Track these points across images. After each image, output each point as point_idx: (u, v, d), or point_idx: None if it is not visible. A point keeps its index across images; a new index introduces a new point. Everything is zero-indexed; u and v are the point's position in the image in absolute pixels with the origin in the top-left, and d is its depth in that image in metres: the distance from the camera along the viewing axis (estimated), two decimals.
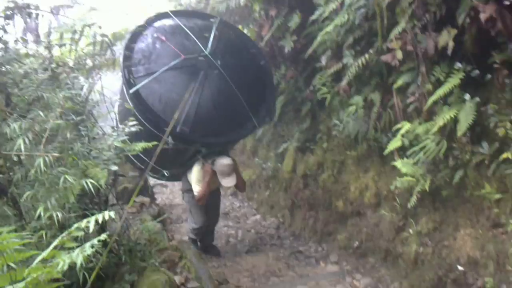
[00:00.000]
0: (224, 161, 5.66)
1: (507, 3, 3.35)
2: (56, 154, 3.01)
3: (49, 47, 4.18)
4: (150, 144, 3.85)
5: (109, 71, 5.37)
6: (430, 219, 4.42)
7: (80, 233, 2.08)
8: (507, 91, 3.63)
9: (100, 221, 2.08)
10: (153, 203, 7.25)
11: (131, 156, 5.66)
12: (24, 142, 2.90)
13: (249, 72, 6.19)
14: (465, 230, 3.99)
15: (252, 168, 8.74)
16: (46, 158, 2.88)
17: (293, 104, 7.29)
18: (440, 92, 3.91)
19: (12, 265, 1.86)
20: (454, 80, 3.86)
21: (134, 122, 3.77)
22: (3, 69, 3.80)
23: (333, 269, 5.59)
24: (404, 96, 4.64)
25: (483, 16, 3.37)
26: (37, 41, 4.55)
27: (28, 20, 4.51)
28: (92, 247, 1.98)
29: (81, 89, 3.95)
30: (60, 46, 4.48)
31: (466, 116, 3.73)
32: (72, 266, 2.43)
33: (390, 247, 4.96)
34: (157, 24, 6.02)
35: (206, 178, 5.72)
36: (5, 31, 4.11)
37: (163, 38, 5.79)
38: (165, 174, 6.09)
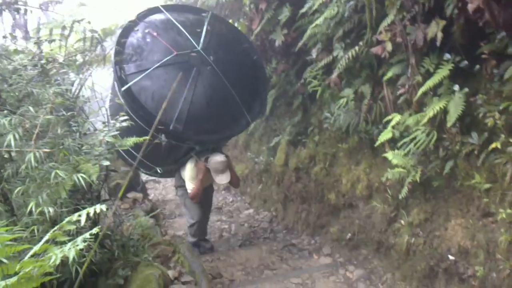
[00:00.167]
0: (218, 158, 5.65)
1: None
2: (47, 150, 3.00)
3: (38, 43, 4.15)
4: (141, 139, 3.84)
5: (99, 67, 5.34)
6: (422, 210, 4.45)
7: (72, 227, 2.09)
8: (495, 82, 3.65)
9: (91, 215, 2.08)
10: (146, 198, 7.25)
11: (123, 153, 5.68)
12: (15, 138, 2.89)
13: (242, 67, 6.15)
14: (455, 220, 4.02)
15: (244, 163, 8.75)
16: (37, 154, 2.87)
17: (285, 98, 7.31)
18: (430, 83, 3.92)
19: (4, 260, 1.86)
20: (443, 71, 3.88)
21: (125, 117, 3.77)
22: None
23: (326, 261, 5.62)
24: (394, 88, 4.66)
25: (470, 7, 3.38)
26: (26, 37, 4.53)
27: (17, 16, 4.48)
28: (85, 241, 1.99)
29: (72, 84, 3.94)
30: (50, 42, 4.45)
31: (455, 107, 3.76)
32: (65, 262, 2.44)
33: (382, 238, 4.99)
34: (148, 19, 5.94)
35: (199, 175, 5.72)
36: None
37: (155, 33, 5.72)
38: (158, 171, 6.07)
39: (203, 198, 6.04)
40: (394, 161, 4.42)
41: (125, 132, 3.78)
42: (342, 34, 5.22)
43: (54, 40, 4.61)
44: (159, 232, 5.55)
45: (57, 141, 3.29)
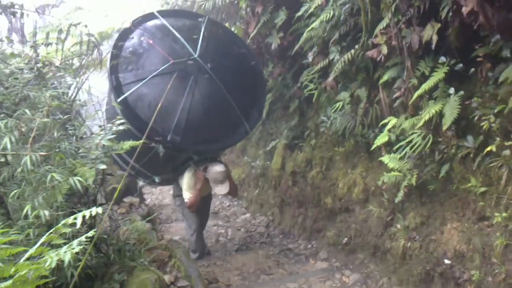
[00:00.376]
0: (217, 169, 5.58)
1: None
2: (43, 153, 3.00)
3: (35, 47, 4.15)
4: (137, 143, 3.82)
5: (96, 71, 5.34)
6: (418, 214, 4.45)
7: (68, 230, 2.08)
8: (490, 85, 3.67)
9: (87, 218, 2.08)
10: (143, 203, 7.22)
11: (120, 162, 5.62)
12: (11, 141, 2.88)
13: (240, 73, 6.06)
14: (451, 224, 4.03)
15: (241, 167, 8.76)
16: (33, 157, 2.86)
17: (281, 101, 7.32)
18: (425, 86, 3.94)
19: None
20: (439, 74, 3.89)
21: (122, 121, 3.76)
22: None
23: (323, 266, 5.62)
24: (390, 91, 4.68)
25: (465, 10, 3.39)
26: (23, 40, 4.53)
27: (13, 19, 4.48)
28: (80, 244, 1.98)
29: (68, 88, 3.93)
30: (46, 45, 4.45)
31: (451, 110, 3.77)
32: (60, 266, 2.43)
33: (378, 242, 4.99)
34: (144, 26, 5.84)
35: (198, 185, 5.65)
36: None
37: (150, 41, 5.62)
38: (156, 180, 6.01)
39: (201, 207, 5.98)
40: (390, 165, 4.43)
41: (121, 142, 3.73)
42: (338, 37, 5.24)
43: (50, 44, 4.60)
44: (155, 237, 5.53)
45: (54, 144, 3.28)
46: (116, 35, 5.60)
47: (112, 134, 3.60)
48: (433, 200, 4.31)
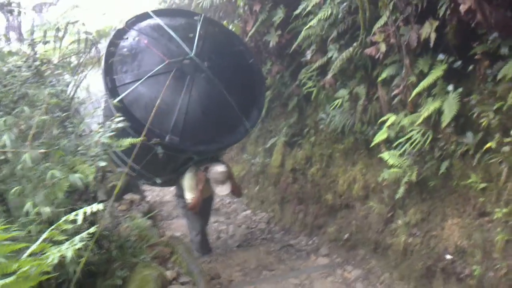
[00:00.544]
0: (218, 169, 5.50)
1: None
2: (42, 150, 3.00)
3: (32, 45, 4.15)
4: (136, 140, 3.83)
5: (94, 69, 5.33)
6: (418, 210, 4.46)
7: (69, 226, 2.09)
8: (489, 82, 3.66)
9: (88, 214, 2.09)
10: (143, 200, 7.23)
11: (120, 164, 5.59)
12: (10, 138, 2.89)
13: (238, 71, 6.00)
14: (452, 220, 4.04)
15: (241, 164, 8.77)
16: (33, 154, 2.87)
17: (280, 99, 7.32)
18: (424, 83, 3.94)
19: (1, 259, 1.86)
20: (437, 72, 3.90)
21: (121, 118, 3.76)
22: None
23: (324, 262, 5.63)
24: (389, 89, 4.68)
25: (462, 8, 3.39)
26: (20, 39, 4.52)
27: (11, 18, 4.47)
28: (82, 240, 1.99)
29: (67, 86, 3.94)
30: (44, 43, 4.45)
31: (450, 107, 3.77)
32: (62, 263, 2.44)
33: (379, 238, 5.00)
34: (138, 26, 5.74)
35: (199, 185, 5.58)
36: None
37: (145, 41, 5.53)
38: (157, 181, 5.93)
39: (202, 207, 5.89)
40: (390, 162, 4.44)
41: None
42: (336, 35, 5.24)
43: (48, 42, 4.60)
44: (156, 233, 5.54)
45: (53, 141, 3.29)
46: (108, 41, 5.47)
47: (111, 131, 3.61)
48: (434, 196, 4.32)
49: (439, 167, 4.11)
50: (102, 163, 3.38)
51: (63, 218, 2.07)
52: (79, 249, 1.99)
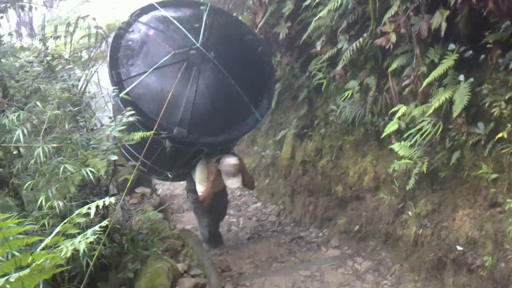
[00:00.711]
0: (230, 161, 5.38)
1: None
2: (55, 145, 3.04)
3: (43, 40, 4.18)
4: (147, 134, 3.85)
5: (105, 63, 5.35)
6: (429, 201, 4.45)
7: (82, 220, 2.12)
8: (501, 71, 3.63)
9: (100, 208, 2.11)
10: (154, 193, 7.29)
11: (129, 157, 5.59)
12: (23, 133, 2.92)
13: (246, 60, 5.88)
14: (463, 211, 4.02)
15: (251, 157, 8.78)
16: (46, 149, 2.90)
17: (290, 91, 7.31)
18: (435, 74, 3.91)
19: (16, 253, 1.89)
20: (448, 62, 3.87)
21: (132, 112, 3.79)
22: None
23: (335, 254, 5.64)
24: (400, 79, 4.66)
25: None
26: (32, 34, 4.56)
27: (22, 13, 4.51)
28: (94, 233, 2.01)
29: (78, 80, 3.97)
30: (55, 38, 4.48)
31: (461, 97, 3.74)
32: (75, 256, 2.47)
33: (390, 230, 4.99)
34: (143, 18, 5.65)
35: (210, 177, 5.45)
36: None
37: (150, 33, 5.47)
38: (169, 175, 5.92)
39: (216, 201, 5.78)
40: (401, 153, 4.43)
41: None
42: (346, 26, 5.20)
43: (59, 37, 4.63)
44: (167, 226, 5.58)
45: (65, 136, 3.32)
46: (113, 35, 5.37)
47: (122, 125, 3.63)
48: (444, 187, 4.31)
49: (450, 158, 4.09)
50: (114, 157, 3.41)
51: (76, 212, 2.10)
52: (91, 242, 2.02)
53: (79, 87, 4.14)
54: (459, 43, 3.92)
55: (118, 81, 5.09)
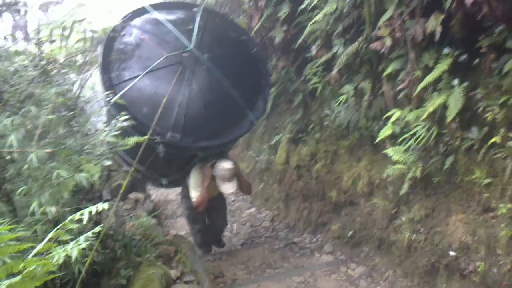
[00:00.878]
0: (224, 165, 5.27)
1: None
2: (49, 150, 3.02)
3: (39, 44, 4.16)
4: (142, 139, 3.83)
5: (99, 67, 5.32)
6: (422, 206, 4.45)
7: (75, 226, 2.10)
8: (495, 75, 3.64)
9: (93, 213, 2.10)
10: (148, 199, 7.25)
11: (122, 162, 5.55)
12: (17, 138, 2.91)
13: (240, 62, 5.78)
14: (456, 216, 4.02)
15: (245, 161, 8.76)
16: (39, 154, 2.89)
17: (285, 95, 7.32)
18: (429, 78, 3.93)
19: (7, 259, 1.88)
20: (443, 66, 3.88)
21: (126, 117, 3.77)
22: None
23: (328, 259, 5.64)
24: (394, 84, 4.66)
25: (468, 0, 3.37)
26: (27, 38, 4.54)
27: (17, 17, 4.49)
28: (87, 240, 2.00)
29: (73, 85, 3.96)
30: (50, 42, 4.47)
31: (455, 102, 3.76)
32: (67, 262, 2.45)
33: (383, 235, 4.99)
34: (135, 21, 5.56)
35: (205, 182, 5.33)
36: None
37: (143, 36, 5.36)
38: (163, 182, 5.77)
39: (213, 209, 5.73)
40: (395, 157, 4.43)
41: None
42: (341, 30, 5.22)
43: (54, 41, 4.61)
44: (161, 232, 5.54)
45: (59, 141, 3.30)
46: (104, 39, 5.28)
47: (116, 130, 3.61)
48: (438, 192, 4.31)
49: (443, 163, 4.10)
50: (108, 162, 3.39)
51: (69, 218, 2.09)
52: (84, 248, 2.00)
53: (73, 91, 4.13)
54: (454, 47, 3.94)
55: (109, 86, 4.99)
